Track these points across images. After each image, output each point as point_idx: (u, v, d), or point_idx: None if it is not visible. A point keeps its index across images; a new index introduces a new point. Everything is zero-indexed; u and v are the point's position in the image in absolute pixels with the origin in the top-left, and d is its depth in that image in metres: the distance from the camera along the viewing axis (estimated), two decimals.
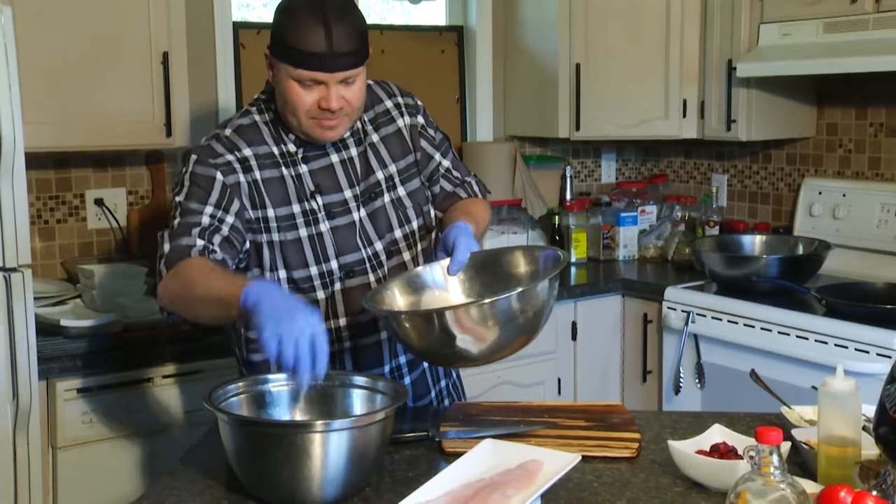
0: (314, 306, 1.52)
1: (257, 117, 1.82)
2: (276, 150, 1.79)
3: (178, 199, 1.76)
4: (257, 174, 1.77)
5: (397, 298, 1.70)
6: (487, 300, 1.51)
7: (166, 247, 1.71)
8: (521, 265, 1.73)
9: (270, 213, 1.77)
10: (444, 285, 1.72)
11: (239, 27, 3.16)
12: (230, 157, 1.76)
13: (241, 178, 1.76)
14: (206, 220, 1.71)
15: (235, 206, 1.74)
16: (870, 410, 1.42)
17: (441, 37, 3.60)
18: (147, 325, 2.49)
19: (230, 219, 1.73)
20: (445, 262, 1.72)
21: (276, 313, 1.42)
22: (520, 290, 1.53)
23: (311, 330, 1.41)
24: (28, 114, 2.26)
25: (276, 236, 1.77)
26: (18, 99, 2.13)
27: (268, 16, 3.34)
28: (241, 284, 1.51)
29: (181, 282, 1.64)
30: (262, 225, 1.77)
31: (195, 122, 2.84)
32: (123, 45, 2.61)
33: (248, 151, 1.78)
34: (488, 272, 1.72)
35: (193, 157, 1.77)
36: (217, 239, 1.71)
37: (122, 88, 2.62)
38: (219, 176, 1.74)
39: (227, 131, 1.80)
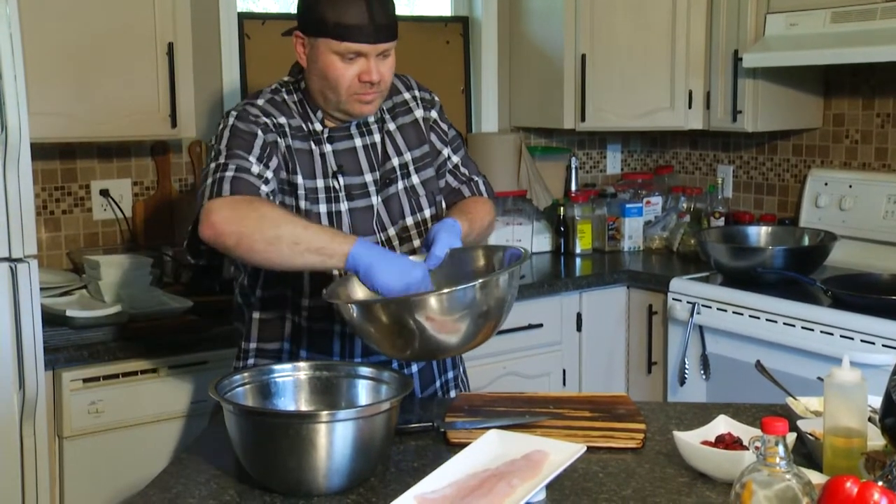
0: (415, 261, 1.65)
1: (286, 96, 1.84)
2: (305, 126, 1.82)
3: (219, 146, 1.74)
4: (290, 141, 1.79)
5: (357, 292, 1.69)
6: (444, 291, 1.53)
7: (229, 173, 1.67)
8: (482, 262, 1.75)
9: (300, 180, 1.79)
10: None
11: (244, 18, 3.15)
12: (267, 120, 1.78)
13: (279, 140, 1.78)
14: (255, 167, 1.71)
15: (274, 163, 1.75)
16: (876, 401, 1.42)
17: (446, 28, 3.59)
18: (152, 316, 2.50)
19: (270, 175, 1.73)
20: (416, 258, 1.73)
21: (396, 278, 1.58)
22: (472, 283, 1.54)
23: (427, 283, 1.62)
24: (34, 104, 2.26)
25: (302, 204, 1.78)
26: (24, 90, 2.13)
27: (272, 6, 3.33)
28: (345, 244, 1.58)
29: (260, 215, 1.60)
30: (292, 189, 1.78)
31: (200, 112, 2.84)
32: (129, 36, 2.61)
33: (282, 119, 1.80)
34: (459, 270, 1.73)
35: (233, 113, 1.78)
36: (267, 189, 1.71)
37: (127, 79, 2.62)
38: (259, 133, 1.75)
39: (260, 101, 1.82)
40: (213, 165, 1.71)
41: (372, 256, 1.59)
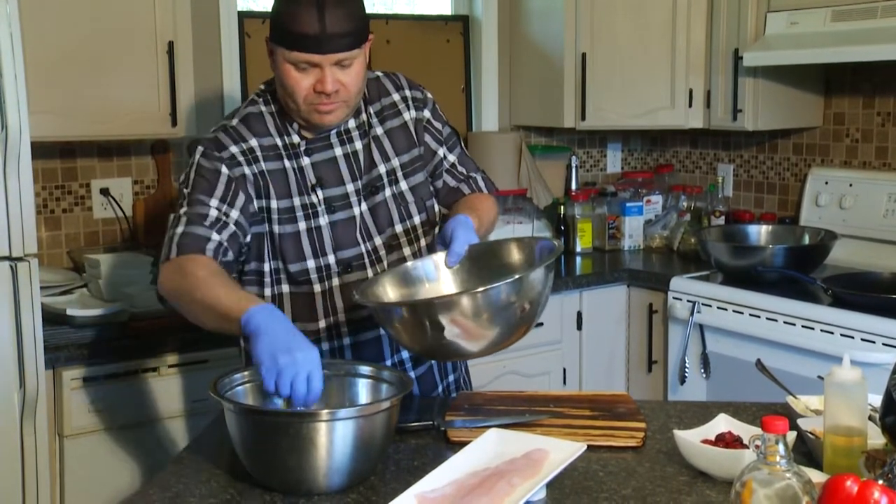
0: (312, 344, 1.48)
1: (263, 108, 1.81)
2: (279, 143, 1.79)
3: (185, 190, 1.76)
4: (263, 165, 1.77)
5: (388, 292, 1.68)
6: (480, 290, 1.49)
7: (180, 229, 1.71)
8: (516, 256, 1.71)
9: (273, 204, 1.77)
10: (437, 278, 1.70)
11: (244, 17, 3.15)
12: (235, 150, 1.76)
13: (246, 170, 1.76)
14: (213, 212, 1.71)
15: (240, 200, 1.74)
16: (876, 400, 1.42)
17: (447, 26, 3.59)
18: (153, 315, 2.50)
19: (235, 213, 1.73)
20: (439, 255, 1.71)
21: (275, 348, 1.44)
22: (511, 278, 1.51)
23: (309, 369, 1.43)
24: (34, 103, 2.26)
25: (276, 228, 1.77)
26: (24, 88, 2.13)
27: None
28: (246, 304, 1.51)
29: (186, 280, 1.63)
30: (264, 215, 1.77)
31: (200, 111, 2.84)
32: (129, 35, 2.61)
33: (253, 142, 1.78)
34: (484, 265, 1.70)
35: (200, 149, 1.77)
36: (225, 234, 1.71)
37: (127, 78, 2.62)
38: (224, 170, 1.74)
39: (235, 121, 1.80)
40: (172, 217, 1.75)
41: (262, 326, 1.46)
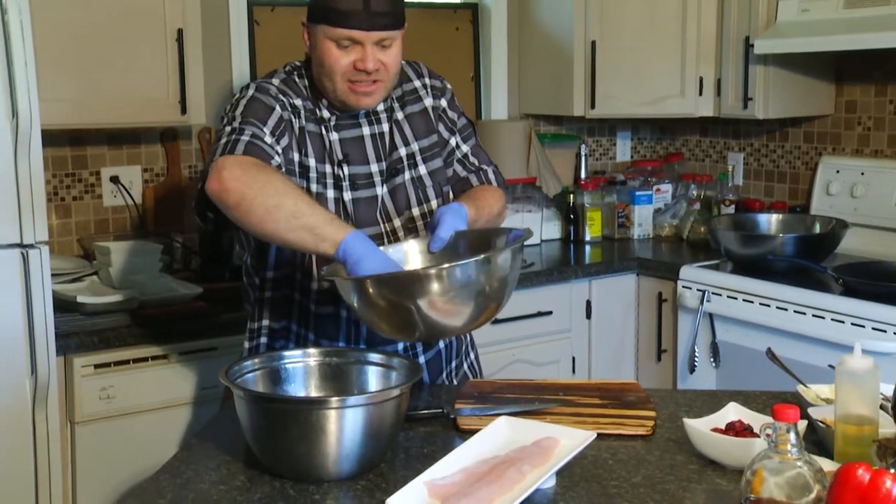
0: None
1: (297, 79, 1.83)
2: (316, 110, 1.81)
3: (235, 112, 1.72)
4: (304, 123, 1.79)
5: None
6: (445, 266, 1.49)
7: (244, 137, 1.65)
8: (489, 244, 1.71)
9: (311, 163, 1.78)
10: (407, 263, 1.71)
11: (253, 4, 3.15)
12: (284, 99, 1.77)
13: (293, 119, 1.77)
14: (268, 138, 1.70)
15: (285, 141, 1.74)
16: (887, 389, 1.42)
17: (456, 14, 3.57)
18: (163, 303, 2.51)
19: (279, 150, 1.72)
20: (411, 242, 1.73)
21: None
22: (477, 258, 1.51)
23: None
24: (44, 91, 2.26)
25: (313, 187, 1.77)
26: (34, 76, 2.14)
27: None
28: (341, 231, 1.55)
29: (269, 179, 1.58)
30: (303, 171, 1.77)
31: (210, 99, 2.84)
32: (138, 23, 2.61)
33: (297, 101, 1.79)
34: (460, 253, 1.71)
35: (252, 86, 1.78)
36: (275, 163, 1.69)
37: (137, 66, 2.62)
38: (278, 108, 1.75)
39: (276, 81, 1.81)
40: (227, 129, 1.70)
41: (364, 249, 1.54)
